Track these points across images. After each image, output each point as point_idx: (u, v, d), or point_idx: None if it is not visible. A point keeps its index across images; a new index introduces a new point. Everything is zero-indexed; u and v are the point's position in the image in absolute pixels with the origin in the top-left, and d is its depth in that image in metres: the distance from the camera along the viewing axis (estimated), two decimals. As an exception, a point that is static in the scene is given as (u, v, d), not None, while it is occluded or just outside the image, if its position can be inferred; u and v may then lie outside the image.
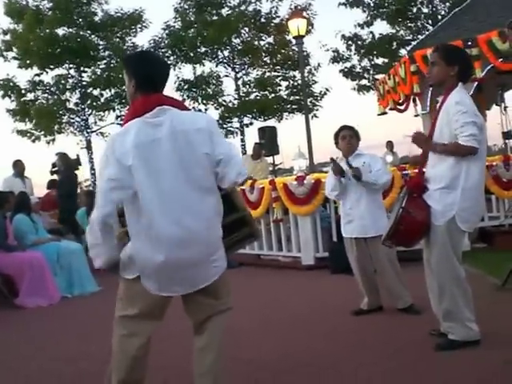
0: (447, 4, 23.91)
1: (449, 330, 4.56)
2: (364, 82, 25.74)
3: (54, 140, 24.43)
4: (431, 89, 8.97)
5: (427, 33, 15.84)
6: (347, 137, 6.00)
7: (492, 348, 4.40)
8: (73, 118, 24.74)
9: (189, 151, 3.22)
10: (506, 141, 11.75)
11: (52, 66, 23.72)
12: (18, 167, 11.82)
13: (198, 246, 3.26)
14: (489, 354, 4.28)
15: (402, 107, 11.00)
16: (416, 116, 10.46)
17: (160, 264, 3.23)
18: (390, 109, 11.52)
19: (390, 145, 16.72)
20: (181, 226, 3.20)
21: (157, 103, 3.27)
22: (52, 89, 24.31)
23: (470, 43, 8.92)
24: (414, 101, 10.41)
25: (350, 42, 24.89)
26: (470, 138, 4.26)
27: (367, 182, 5.75)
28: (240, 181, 3.33)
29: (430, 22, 24.30)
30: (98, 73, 24.32)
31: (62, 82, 24.20)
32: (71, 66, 24.27)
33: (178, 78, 25.28)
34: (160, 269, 3.25)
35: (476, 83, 9.22)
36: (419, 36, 21.29)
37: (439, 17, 22.98)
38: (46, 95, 24.39)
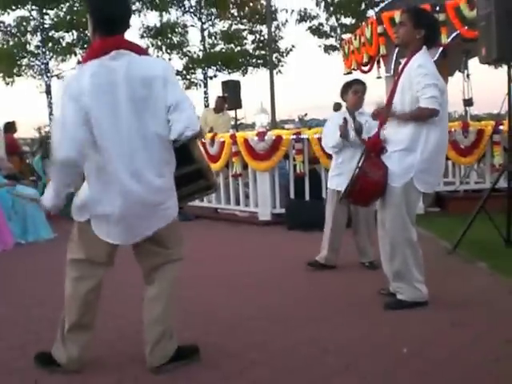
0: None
1: (398, 289, 4.66)
2: (331, 41, 25.66)
3: (13, 82, 23.87)
4: (396, 51, 8.96)
5: (396, -5, 15.75)
6: (359, 92, 5.93)
7: (439, 310, 4.51)
8: (33, 61, 24.17)
9: (143, 97, 3.19)
10: (467, 108, 11.86)
11: (13, 7, 22.96)
12: None
13: (146, 197, 3.26)
14: (436, 316, 4.40)
15: (365, 68, 10.98)
16: (378, 78, 10.45)
17: (111, 211, 3.24)
18: (354, 69, 11.50)
19: (337, 105, 16.91)
20: (133, 176, 3.20)
21: (114, 46, 3.21)
22: (13, 30, 23.64)
23: (437, 8, 8.90)
24: (379, 62, 10.40)
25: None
26: (432, 99, 4.30)
27: (364, 140, 5.74)
28: (188, 134, 3.23)
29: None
30: (61, 15, 23.67)
31: (24, 23, 23.52)
32: (33, 7, 23.56)
33: (143, 24, 24.81)
34: (111, 216, 3.26)
35: (441, 49, 9.24)
36: (388, -2, 21.19)
37: (410, -21, 22.88)
38: (6, 37, 23.72)
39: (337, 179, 5.97)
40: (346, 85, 6.00)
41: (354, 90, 5.93)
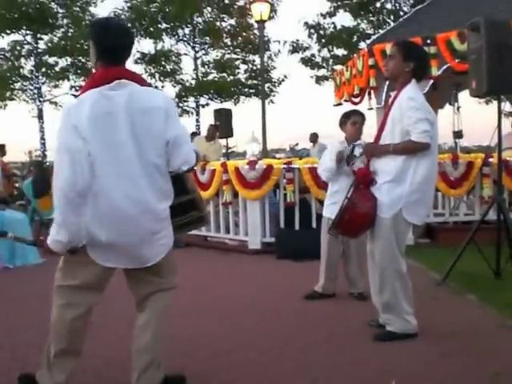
0: (410, 1, 24.11)
1: (387, 321, 4.64)
2: (323, 71, 25.87)
3: (5, 106, 23.92)
4: (387, 84, 9.03)
5: (388, 28, 15.94)
6: (358, 123, 5.96)
7: (428, 342, 4.49)
8: (26, 86, 24.24)
9: (143, 128, 3.19)
10: (456, 140, 11.95)
11: (8, 31, 23.09)
12: None
13: (144, 224, 3.25)
14: (425, 348, 4.37)
15: (356, 100, 11.06)
16: (370, 109, 10.52)
17: (108, 239, 3.21)
18: (345, 100, 11.57)
19: (313, 136, 17.16)
20: (131, 202, 3.19)
21: (116, 76, 3.23)
22: (6, 54, 23.74)
23: (429, 41, 8.99)
24: (370, 94, 10.47)
25: (311, 31, 24.90)
26: (424, 134, 4.33)
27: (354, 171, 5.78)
28: (185, 169, 3.36)
29: (391, 17, 24.49)
30: (55, 41, 23.80)
31: (18, 47, 23.65)
32: (28, 32, 23.70)
33: (138, 51, 24.99)
34: (108, 243, 3.23)
35: (431, 81, 9.32)
36: (380, 31, 21.44)
37: (401, 13, 23.16)
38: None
39: (331, 208, 5.95)
40: (345, 115, 6.04)
41: (352, 121, 5.96)
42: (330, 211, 5.94)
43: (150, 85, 3.52)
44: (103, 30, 3.39)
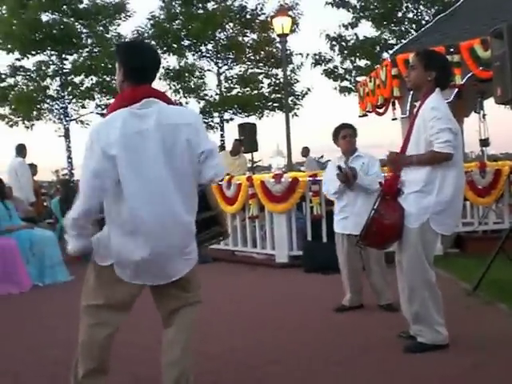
0: (432, 10, 24.02)
1: (418, 332, 4.60)
2: (346, 83, 25.81)
3: (32, 126, 24.23)
4: (411, 94, 9.00)
5: (410, 37, 15.90)
6: (348, 136, 6.04)
7: (460, 352, 4.44)
8: (52, 105, 24.52)
9: (174, 145, 3.21)
10: (483, 148, 11.84)
11: (33, 52, 23.39)
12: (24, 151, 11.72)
13: (176, 238, 3.27)
14: (456, 358, 4.32)
15: (381, 110, 11.03)
16: (394, 120, 10.49)
17: (138, 256, 3.23)
18: (369, 111, 11.56)
19: (305, 151, 17.16)
20: (162, 218, 3.21)
21: (144, 95, 3.26)
22: (32, 75, 24.06)
23: (452, 50, 8.97)
24: (394, 104, 10.44)
25: (333, 43, 24.90)
26: (446, 144, 4.30)
27: (360, 185, 5.82)
28: (216, 180, 3.47)
29: (414, 26, 24.41)
30: (80, 61, 24.09)
31: (43, 68, 23.96)
32: (53, 52, 24.00)
33: (163, 67, 25.18)
34: (138, 260, 3.24)
35: (456, 90, 9.28)
36: (403, 40, 21.38)
37: (423, 22, 23.08)
38: (26, 81, 24.14)
39: (343, 223, 6.03)
40: (336, 131, 6.13)
41: (342, 135, 6.06)
42: (342, 227, 6.02)
43: (175, 103, 3.56)
44: (131, 50, 3.47)
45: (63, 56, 24.23)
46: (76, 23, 23.95)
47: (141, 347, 4.87)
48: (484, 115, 11.18)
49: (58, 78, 24.36)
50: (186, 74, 25.18)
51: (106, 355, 3.44)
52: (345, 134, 6.03)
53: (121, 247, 3.24)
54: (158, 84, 24.81)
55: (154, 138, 3.18)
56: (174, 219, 3.24)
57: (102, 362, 3.42)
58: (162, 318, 3.54)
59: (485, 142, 11.41)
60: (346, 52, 24.91)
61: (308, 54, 25.15)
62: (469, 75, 9.10)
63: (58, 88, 24.45)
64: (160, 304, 3.53)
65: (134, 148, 3.16)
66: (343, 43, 24.82)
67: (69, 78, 24.39)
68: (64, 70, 24.31)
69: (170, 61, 25.27)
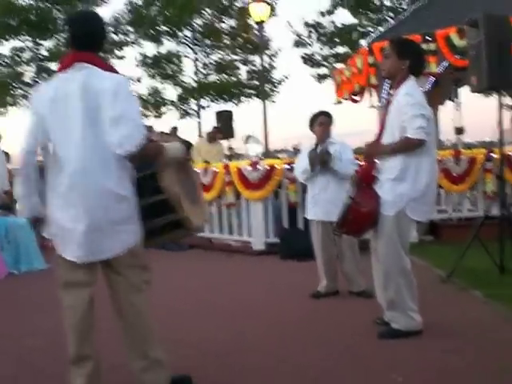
0: (410, -2, 24.13)
1: (392, 318, 4.64)
2: (324, 70, 25.87)
3: (6, 112, 23.97)
4: (387, 81, 9.05)
5: (387, 25, 15.96)
6: (324, 123, 6.06)
7: (433, 338, 4.49)
8: (27, 92, 24.26)
9: (96, 111, 3.23)
10: (458, 136, 11.95)
11: (8, 37, 23.13)
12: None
13: (102, 210, 3.23)
14: (430, 344, 4.37)
15: (357, 98, 11.07)
16: (371, 107, 10.54)
17: (63, 223, 3.26)
18: (345, 99, 11.59)
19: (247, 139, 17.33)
20: (86, 186, 3.21)
21: (75, 60, 3.33)
22: (7, 60, 23.78)
23: (428, 38, 9.02)
24: (370, 92, 10.48)
25: (311, 30, 24.93)
26: (419, 130, 4.33)
27: (335, 170, 5.84)
28: (128, 148, 3.17)
29: (391, 14, 24.49)
30: (56, 47, 23.84)
31: (18, 54, 23.69)
32: (28, 38, 23.74)
33: (141, 54, 25.04)
34: (63, 229, 3.27)
35: (432, 78, 9.34)
36: (380, 28, 21.45)
37: (400, 10, 23.15)
38: (0, 67, 23.85)
39: (315, 209, 6.08)
40: (313, 117, 6.14)
41: (319, 122, 6.08)
42: (315, 213, 6.07)
43: (114, 70, 3.50)
44: (70, 20, 3.66)
45: (39, 42, 23.96)
46: (52, 8, 23.66)
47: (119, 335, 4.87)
48: (459, 103, 11.27)
49: (33, 64, 24.09)
50: (163, 61, 25.05)
51: (85, 341, 3.41)
52: (322, 121, 6.06)
53: (54, 215, 3.30)
54: (135, 71, 24.72)
55: (78, 102, 3.23)
56: (98, 189, 3.22)
57: (83, 348, 3.40)
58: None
59: (460, 130, 11.52)
60: (323, 39, 24.95)
61: (293, 31, 25.10)
62: (444, 64, 9.16)
63: (34, 74, 24.19)
64: (108, 288, 3.50)
65: (59, 110, 3.25)
66: (321, 30, 24.87)
67: (44, 64, 24.12)
68: (39, 56, 24.04)
69: (147, 47, 25.14)
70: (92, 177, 3.21)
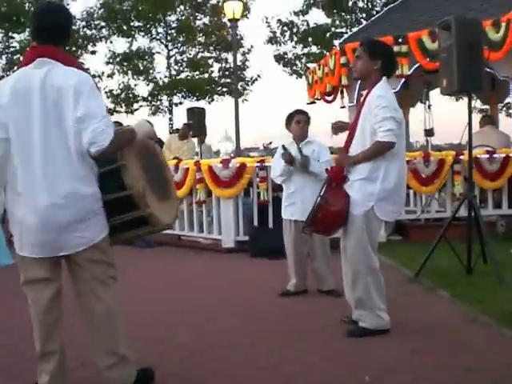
0: (382, 0, 24.26)
1: (360, 317, 4.67)
2: (296, 68, 25.94)
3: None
4: (359, 82, 9.10)
5: (360, 26, 16.04)
6: (301, 122, 6.04)
7: (401, 338, 4.53)
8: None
9: (55, 107, 3.18)
10: (428, 138, 12.03)
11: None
12: None
13: (66, 209, 3.18)
14: (397, 343, 4.41)
15: (329, 98, 11.12)
16: (342, 108, 10.58)
17: (21, 220, 3.22)
18: (317, 99, 11.63)
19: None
20: (41, 184, 3.16)
21: (39, 54, 3.27)
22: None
23: (400, 40, 9.09)
24: (342, 93, 10.53)
25: (285, 28, 24.99)
26: (389, 133, 4.37)
27: (313, 172, 5.83)
28: (93, 150, 3.13)
29: (364, 15, 24.63)
30: (28, 40, 23.53)
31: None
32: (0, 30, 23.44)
33: (110, 50, 24.83)
34: (21, 226, 3.24)
35: (403, 80, 9.41)
36: (353, 29, 21.56)
37: (374, 12, 23.30)
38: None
39: (290, 209, 6.06)
40: (290, 116, 6.13)
41: (296, 121, 6.06)
42: (290, 213, 6.06)
43: (78, 65, 3.47)
44: (34, 12, 3.55)
45: (10, 34, 23.64)
46: (24, 1, 23.34)
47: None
48: (429, 106, 11.34)
49: (3, 57, 23.80)
50: (135, 57, 24.90)
51: (50, 336, 3.38)
52: (299, 120, 6.04)
53: (13, 212, 3.27)
54: (106, 67, 24.52)
55: (38, 99, 3.17)
56: (60, 189, 3.16)
57: (48, 344, 3.38)
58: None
59: (429, 132, 11.57)
60: (296, 38, 25.01)
61: (268, 25, 25.12)
62: (416, 66, 9.25)
63: (4, 67, 23.90)
64: (72, 283, 3.46)
65: (19, 106, 3.19)
66: (294, 29, 24.93)
67: (15, 56, 23.83)
68: (11, 49, 23.74)
69: (119, 43, 24.99)
70: (53, 177, 3.16)
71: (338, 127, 5.03)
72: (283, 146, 5.97)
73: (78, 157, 3.19)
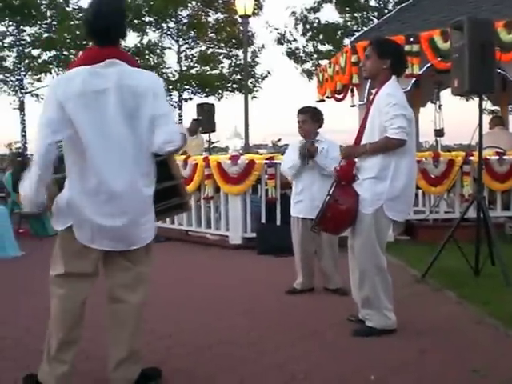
0: (395, -1, 24.21)
1: (367, 317, 4.67)
2: (307, 65, 25.92)
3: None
4: (369, 81, 9.08)
5: (371, 25, 16.01)
6: (302, 121, 6.05)
7: (407, 338, 4.52)
8: (7, 77, 24.01)
9: (134, 108, 3.21)
10: (438, 138, 12.00)
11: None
12: None
13: (134, 203, 3.26)
14: (404, 344, 4.40)
15: (339, 96, 11.10)
16: (352, 106, 10.57)
17: (98, 218, 3.22)
18: (327, 97, 11.61)
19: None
20: (120, 180, 3.20)
21: (108, 56, 3.24)
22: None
23: (412, 39, 9.06)
24: (352, 91, 10.52)
25: (298, 22, 24.97)
26: (399, 130, 4.35)
27: (319, 164, 5.85)
28: (167, 149, 3.29)
29: (376, 14, 24.57)
30: (39, 33, 23.59)
31: (0, 38, 23.41)
32: (11, 23, 23.44)
33: (120, 44, 24.80)
34: (98, 222, 3.23)
35: (414, 79, 9.38)
36: (365, 28, 21.51)
37: (386, 11, 23.23)
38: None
39: (298, 206, 6.07)
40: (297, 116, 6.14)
41: (298, 120, 6.09)
42: (298, 210, 6.06)
43: (139, 66, 3.51)
44: (93, 11, 3.37)
45: (21, 27, 23.67)
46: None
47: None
48: (440, 106, 11.31)
49: (14, 50, 23.83)
50: (146, 52, 24.91)
51: (77, 326, 3.43)
52: (299, 119, 6.06)
53: (82, 207, 3.23)
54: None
55: (113, 99, 3.18)
56: (131, 184, 3.23)
57: (74, 332, 3.41)
58: (108, 291, 3.50)
59: (439, 133, 11.55)
60: (308, 34, 24.98)
61: (272, 31, 25.13)
62: (427, 65, 9.22)
63: (15, 60, 23.94)
64: (110, 276, 3.49)
65: (93, 107, 3.16)
66: (307, 25, 24.91)
67: (26, 50, 23.87)
68: (21, 42, 23.78)
69: (130, 37, 24.95)
70: (126, 175, 3.21)
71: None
72: (302, 141, 6.03)
73: (147, 158, 3.30)
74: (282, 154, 9.43)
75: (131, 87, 3.20)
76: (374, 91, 4.82)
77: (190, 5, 25.50)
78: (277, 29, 25.42)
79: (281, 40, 25.58)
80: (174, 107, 26.04)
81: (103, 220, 3.23)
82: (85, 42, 22.30)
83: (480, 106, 6.48)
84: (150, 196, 3.36)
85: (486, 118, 10.60)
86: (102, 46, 3.29)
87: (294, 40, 25.60)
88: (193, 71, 25.94)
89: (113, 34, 3.32)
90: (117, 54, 3.29)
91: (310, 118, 6.05)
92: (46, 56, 23.88)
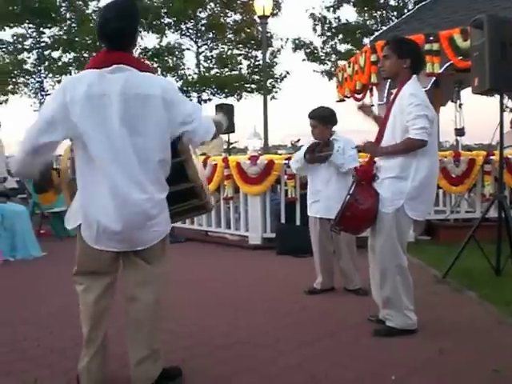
0: (414, -2, 24.10)
1: (387, 317, 4.65)
2: (326, 66, 25.89)
3: (7, 100, 23.90)
4: (389, 81, 9.05)
5: (391, 24, 15.93)
6: (313, 125, 6.03)
7: (428, 338, 4.50)
8: (28, 80, 24.22)
9: (137, 114, 3.19)
10: (458, 137, 11.93)
11: (11, 24, 22.99)
12: None
13: (144, 209, 3.26)
14: (424, 344, 4.38)
15: (359, 96, 11.06)
16: (372, 106, 10.53)
17: (105, 220, 3.23)
18: (347, 96, 11.58)
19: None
20: (129, 187, 3.19)
21: (116, 61, 3.23)
22: (9, 48, 23.70)
23: (431, 38, 9.01)
24: (372, 91, 10.48)
25: (316, 22, 24.96)
26: (421, 131, 4.33)
27: (335, 163, 5.84)
28: (208, 138, 3.49)
29: (395, 13, 24.47)
30: (59, 35, 23.76)
31: (20, 41, 23.61)
32: (31, 25, 23.64)
33: (140, 46, 24.98)
34: (104, 224, 3.25)
35: (434, 78, 9.32)
36: (384, 27, 21.43)
37: (405, 10, 23.13)
38: (2, 54, 23.77)
39: (315, 206, 6.06)
40: None
41: (310, 124, 6.07)
42: (315, 210, 6.05)
43: (151, 70, 3.50)
44: (104, 15, 3.37)
45: (41, 30, 23.86)
46: (55, -4, 23.55)
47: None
48: (460, 105, 11.25)
49: (35, 52, 24.02)
50: (165, 53, 25.01)
51: (99, 323, 3.47)
52: (311, 124, 6.05)
53: (89, 208, 3.26)
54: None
55: (118, 104, 3.16)
56: (137, 188, 3.22)
57: (96, 329, 3.46)
58: (124, 289, 3.53)
59: (460, 132, 11.49)
60: (328, 34, 24.96)
61: (288, 39, 25.19)
62: (447, 64, 9.15)
63: (35, 62, 24.13)
64: (126, 274, 3.52)
65: (99, 110, 3.16)
66: (326, 25, 24.90)
67: (46, 52, 24.05)
68: (41, 44, 23.97)
69: (149, 39, 25.10)
70: (130, 185, 3.20)
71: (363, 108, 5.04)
72: (313, 143, 6.04)
73: (161, 162, 3.30)
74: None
75: (137, 95, 3.19)
76: (394, 91, 4.80)
77: (208, 6, 25.56)
78: (294, 39, 25.49)
79: (298, 46, 25.60)
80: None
81: (107, 222, 3.23)
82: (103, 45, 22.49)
83: (501, 104, 6.44)
84: (161, 200, 3.35)
85: (507, 117, 10.52)
86: (110, 50, 3.29)
87: (311, 43, 25.61)
88: (212, 73, 26.00)
89: (121, 39, 3.30)
90: (124, 59, 3.27)
91: (319, 123, 6.00)
92: (66, 58, 24.07)
